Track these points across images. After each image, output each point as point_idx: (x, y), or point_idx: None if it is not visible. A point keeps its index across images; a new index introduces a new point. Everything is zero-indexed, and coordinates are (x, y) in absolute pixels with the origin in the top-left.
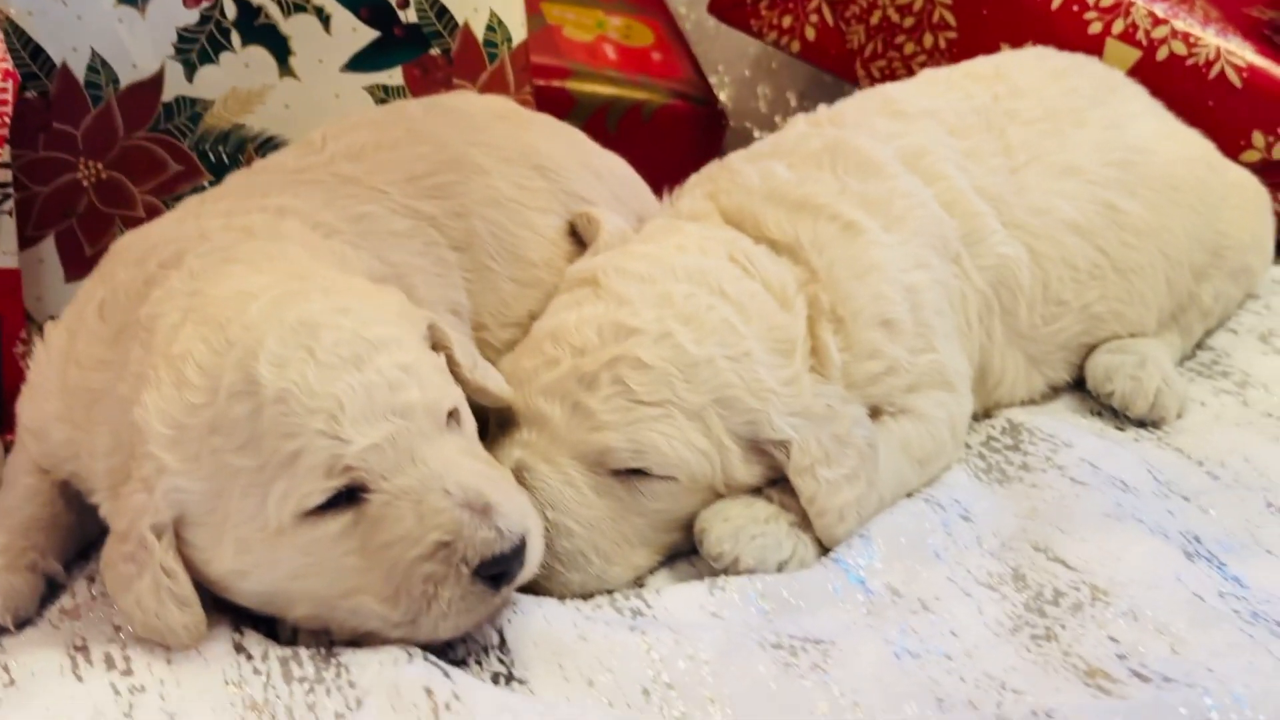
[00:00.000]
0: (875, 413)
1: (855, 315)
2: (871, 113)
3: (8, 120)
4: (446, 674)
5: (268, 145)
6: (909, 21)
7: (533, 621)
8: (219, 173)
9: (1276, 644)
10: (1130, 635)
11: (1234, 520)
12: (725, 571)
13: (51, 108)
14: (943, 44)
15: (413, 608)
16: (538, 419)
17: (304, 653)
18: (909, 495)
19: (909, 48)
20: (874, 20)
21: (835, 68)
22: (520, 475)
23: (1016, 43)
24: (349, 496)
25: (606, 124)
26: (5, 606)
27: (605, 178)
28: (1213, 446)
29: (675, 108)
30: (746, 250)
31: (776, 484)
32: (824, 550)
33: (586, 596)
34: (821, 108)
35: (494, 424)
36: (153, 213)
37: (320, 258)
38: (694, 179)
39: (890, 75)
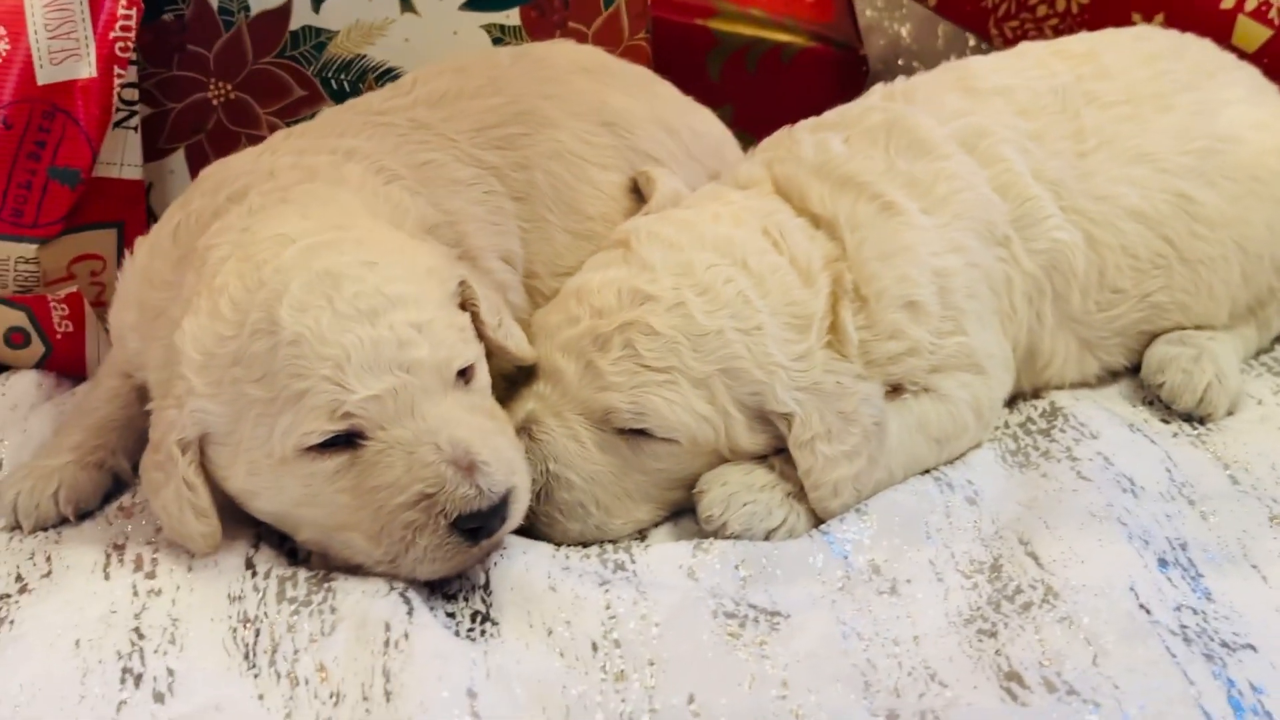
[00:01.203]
0: (898, 389)
1: (879, 295)
2: (945, 87)
3: (131, 45)
4: (410, 612)
5: (387, 75)
6: None
7: (514, 567)
8: (340, 99)
9: (1199, 665)
10: (1059, 642)
11: (1231, 530)
12: (715, 534)
13: (187, 30)
14: (1075, 9)
15: (393, 549)
16: (554, 373)
17: (302, 574)
18: (926, 472)
19: (1041, 10)
20: None
21: (970, 24)
22: (529, 427)
23: (1148, 14)
24: (348, 439)
25: (746, 64)
26: (67, 499)
27: (681, 135)
28: (1246, 449)
29: (815, 51)
30: (780, 223)
31: (782, 453)
32: (819, 521)
33: (586, 544)
34: (900, 78)
35: (521, 374)
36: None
37: (374, 203)
38: (763, 143)
39: (1022, 35)
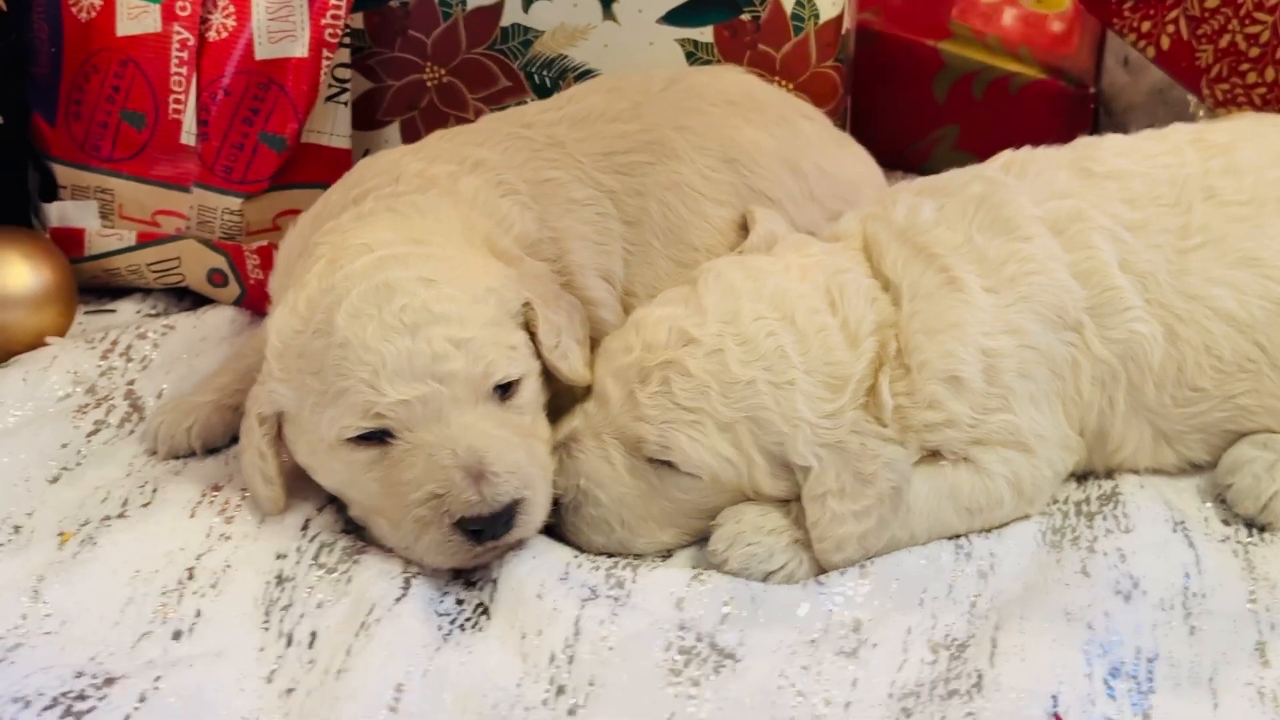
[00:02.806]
0: (937, 455)
1: (921, 367)
2: (1061, 165)
3: (341, 32)
4: (400, 599)
5: (585, 75)
6: (1255, 51)
7: (520, 569)
8: (541, 93)
9: None
10: None
11: (1212, 650)
12: (717, 568)
13: (409, 17)
14: None
15: (406, 538)
16: (602, 396)
17: (342, 544)
18: (956, 536)
19: (1251, 77)
20: (1223, 44)
21: (1184, 80)
22: (569, 443)
23: None
24: (382, 436)
25: (973, 90)
26: (198, 434)
27: (807, 175)
28: None
29: (1044, 85)
30: (844, 283)
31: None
32: (822, 570)
33: (612, 555)
34: (1026, 147)
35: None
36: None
37: (475, 217)
38: (878, 196)
39: (1231, 100)
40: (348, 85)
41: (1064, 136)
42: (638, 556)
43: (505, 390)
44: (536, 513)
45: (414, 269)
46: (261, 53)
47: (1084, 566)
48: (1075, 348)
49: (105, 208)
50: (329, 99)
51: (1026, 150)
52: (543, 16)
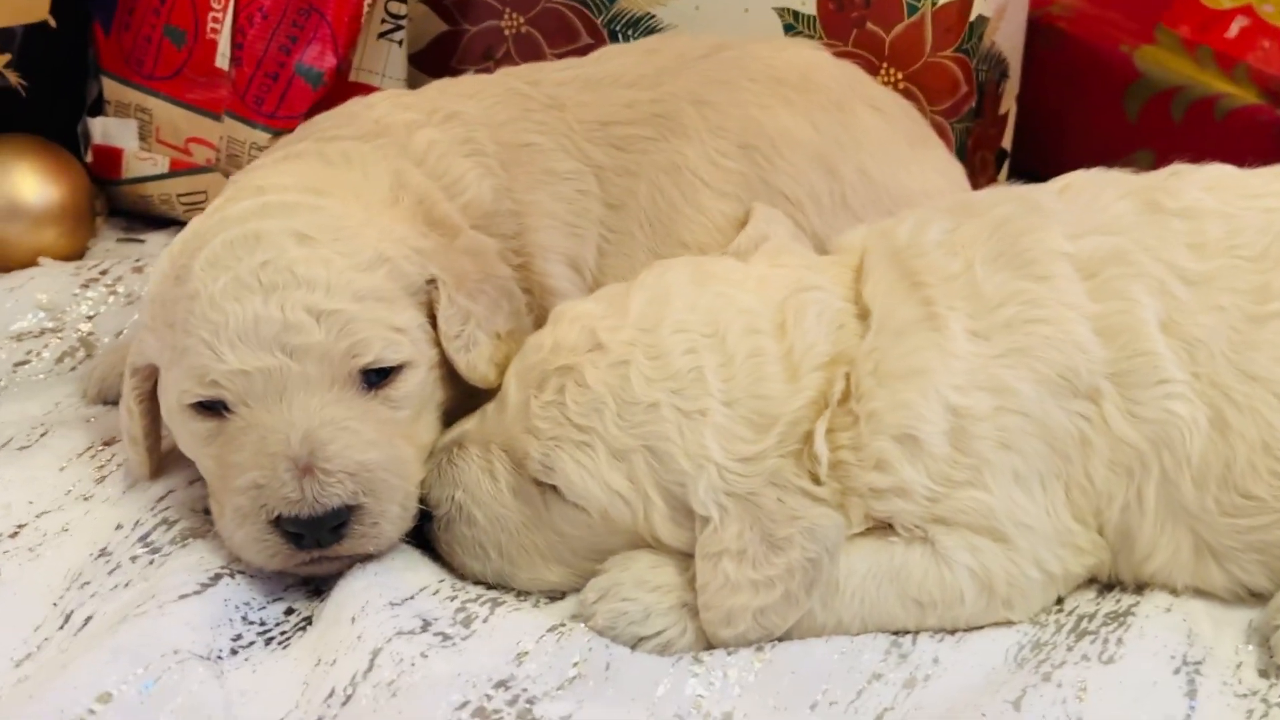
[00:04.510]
0: (890, 528)
1: (870, 417)
2: (1124, 193)
3: None
4: (188, 594)
5: None
6: None
7: (354, 584)
8: None
9: None
10: None
11: None
12: (585, 621)
13: None
14: None
15: (227, 528)
16: (503, 399)
17: (184, 523)
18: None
19: None
20: None
21: None
22: (453, 447)
23: None
24: (219, 408)
25: (1171, 110)
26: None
27: (843, 177)
28: None
29: (1256, 111)
30: (803, 304)
31: None
32: (710, 646)
33: (489, 585)
34: (1099, 168)
35: None
36: None
37: (413, 176)
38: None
39: None
40: (403, 22)
41: None
42: (521, 594)
43: (380, 377)
44: (383, 525)
45: (294, 221)
46: None
47: (1020, 697)
48: (1088, 421)
49: (144, 129)
50: (381, 35)
51: (1097, 171)
52: None
